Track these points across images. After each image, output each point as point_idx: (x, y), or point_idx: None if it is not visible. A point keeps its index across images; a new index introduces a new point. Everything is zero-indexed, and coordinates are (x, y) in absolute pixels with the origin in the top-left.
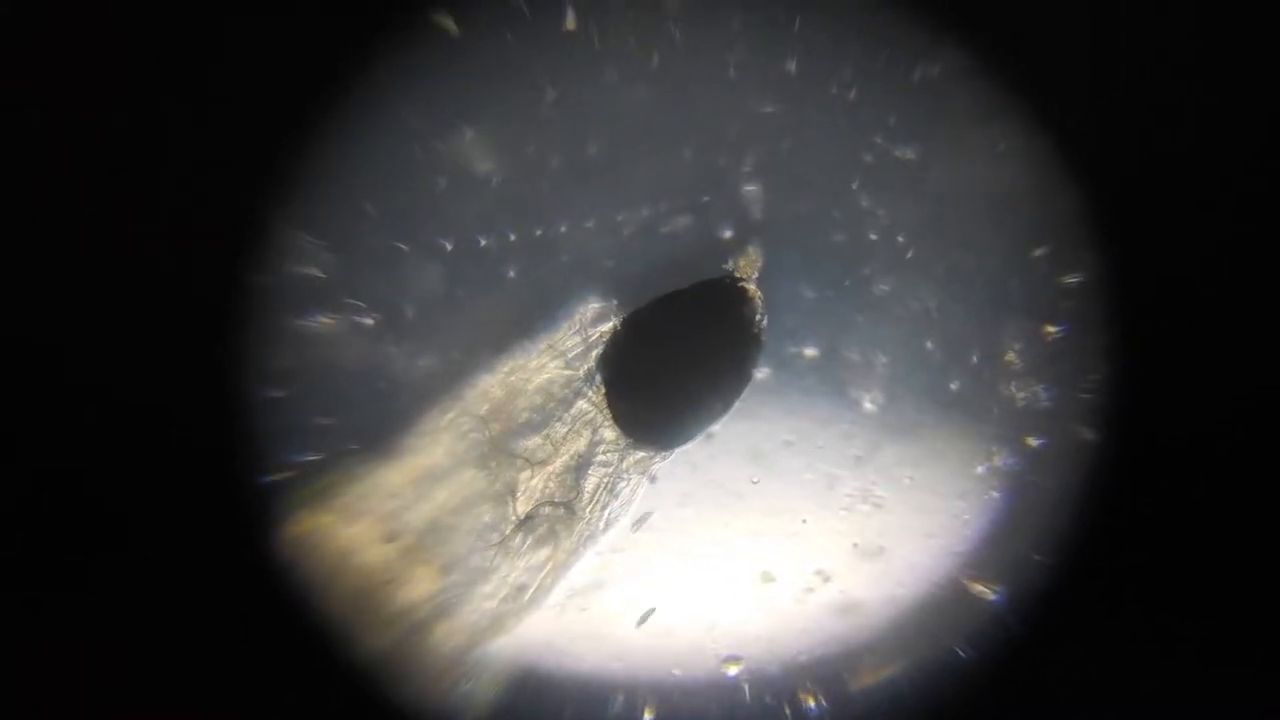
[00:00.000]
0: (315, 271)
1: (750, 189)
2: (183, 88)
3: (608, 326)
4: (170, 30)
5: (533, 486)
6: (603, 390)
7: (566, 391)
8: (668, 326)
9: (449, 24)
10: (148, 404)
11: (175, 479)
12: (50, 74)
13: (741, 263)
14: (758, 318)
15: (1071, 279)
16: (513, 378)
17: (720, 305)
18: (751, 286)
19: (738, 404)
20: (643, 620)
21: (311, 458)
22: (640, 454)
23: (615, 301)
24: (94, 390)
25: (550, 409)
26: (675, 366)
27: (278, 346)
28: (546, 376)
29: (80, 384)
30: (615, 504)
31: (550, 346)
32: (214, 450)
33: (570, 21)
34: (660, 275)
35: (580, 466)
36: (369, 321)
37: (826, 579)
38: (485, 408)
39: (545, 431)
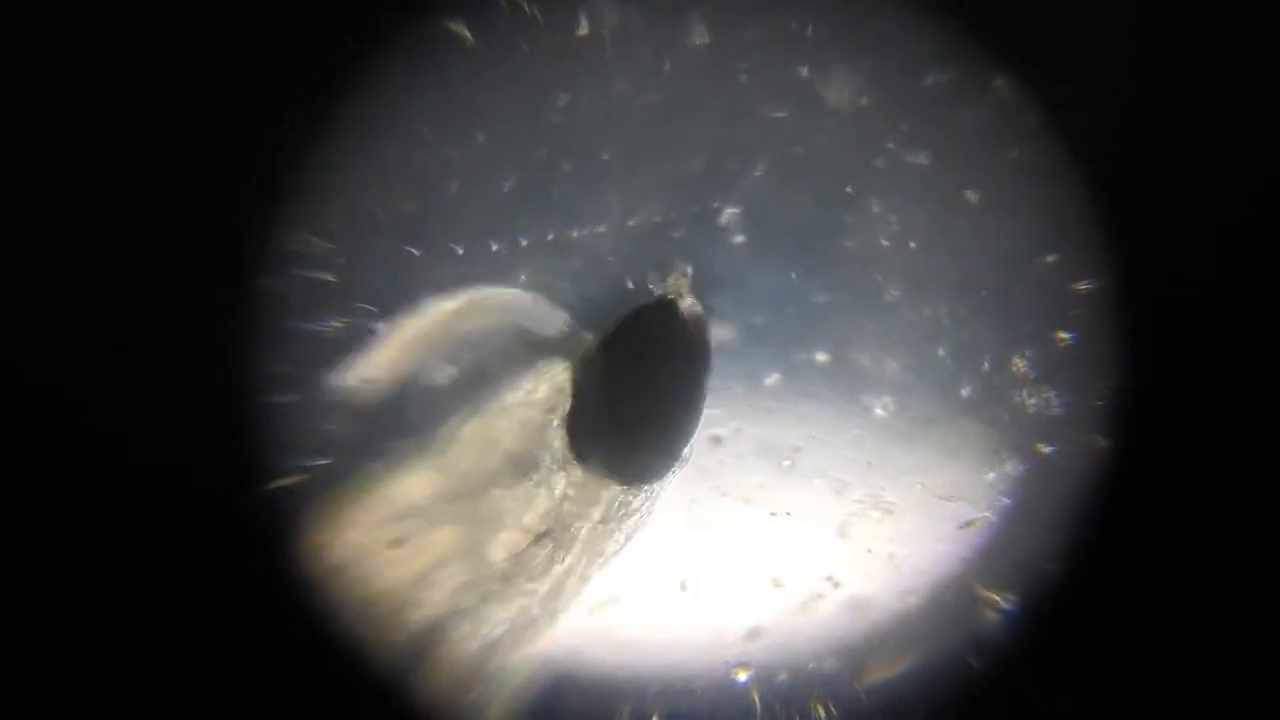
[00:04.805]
0: (326, 276)
1: (762, 194)
2: (192, 91)
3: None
4: (180, 32)
5: (553, 501)
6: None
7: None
8: (623, 362)
9: (462, 30)
10: (152, 411)
11: (180, 487)
12: (50, 73)
13: (671, 281)
14: (699, 329)
15: (1083, 285)
16: (533, 393)
17: (663, 331)
18: (688, 301)
19: (745, 409)
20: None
21: (320, 464)
22: (642, 487)
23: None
24: (93, 397)
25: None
26: (639, 401)
27: (286, 351)
28: (553, 401)
29: (80, 391)
30: (630, 524)
31: (553, 373)
32: (222, 456)
33: (583, 27)
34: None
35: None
36: (379, 326)
37: (836, 585)
38: (503, 423)
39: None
